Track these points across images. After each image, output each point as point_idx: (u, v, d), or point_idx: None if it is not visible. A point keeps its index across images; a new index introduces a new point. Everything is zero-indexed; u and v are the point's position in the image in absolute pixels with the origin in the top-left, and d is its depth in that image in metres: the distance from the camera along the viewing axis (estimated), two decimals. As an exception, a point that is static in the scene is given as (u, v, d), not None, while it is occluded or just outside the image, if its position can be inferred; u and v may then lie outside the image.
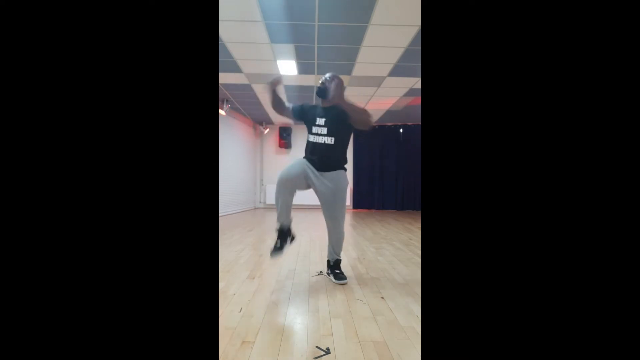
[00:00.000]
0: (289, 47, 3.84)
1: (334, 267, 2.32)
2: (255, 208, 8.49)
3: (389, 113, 7.22)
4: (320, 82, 2.24)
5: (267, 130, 8.53)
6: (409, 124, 8.39)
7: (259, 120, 8.25)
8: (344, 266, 2.70)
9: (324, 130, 2.17)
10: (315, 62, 4.26)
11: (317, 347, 1.37)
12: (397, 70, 4.51)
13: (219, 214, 6.39)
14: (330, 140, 2.17)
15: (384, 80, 4.96)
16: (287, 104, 2.35)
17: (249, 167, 8.19)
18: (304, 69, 4.53)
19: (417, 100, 6.06)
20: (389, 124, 8.45)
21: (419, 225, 5.48)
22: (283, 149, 8.62)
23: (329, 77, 2.20)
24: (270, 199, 8.66)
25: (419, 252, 3.25)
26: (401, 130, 8.52)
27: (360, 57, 4.07)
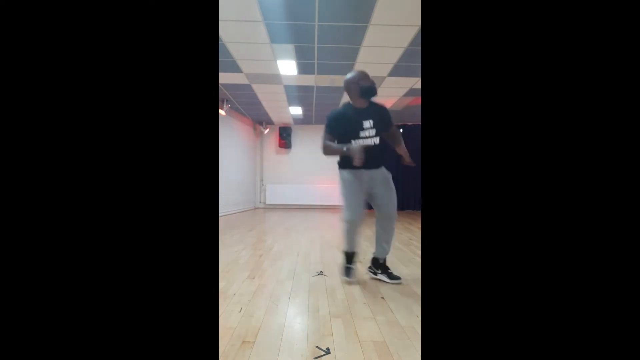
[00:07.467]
0: (289, 47, 3.84)
1: (384, 265, 2.33)
2: (255, 208, 8.49)
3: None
4: (369, 82, 2.09)
5: (267, 130, 8.53)
6: (409, 124, 8.40)
7: (259, 120, 8.25)
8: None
9: (373, 132, 2.14)
10: (315, 62, 4.26)
11: (317, 347, 1.37)
12: (397, 70, 4.51)
13: (219, 214, 6.39)
14: (377, 140, 2.16)
15: (384, 80, 4.96)
16: (327, 138, 2.16)
17: (249, 167, 8.19)
18: (304, 69, 4.53)
19: (417, 100, 6.06)
20: (389, 124, 8.45)
21: (419, 225, 5.47)
22: (283, 149, 8.62)
23: (364, 76, 2.10)
24: (270, 199, 8.66)
25: (419, 252, 3.25)
26: (401, 130, 8.52)
27: (360, 57, 4.07)
